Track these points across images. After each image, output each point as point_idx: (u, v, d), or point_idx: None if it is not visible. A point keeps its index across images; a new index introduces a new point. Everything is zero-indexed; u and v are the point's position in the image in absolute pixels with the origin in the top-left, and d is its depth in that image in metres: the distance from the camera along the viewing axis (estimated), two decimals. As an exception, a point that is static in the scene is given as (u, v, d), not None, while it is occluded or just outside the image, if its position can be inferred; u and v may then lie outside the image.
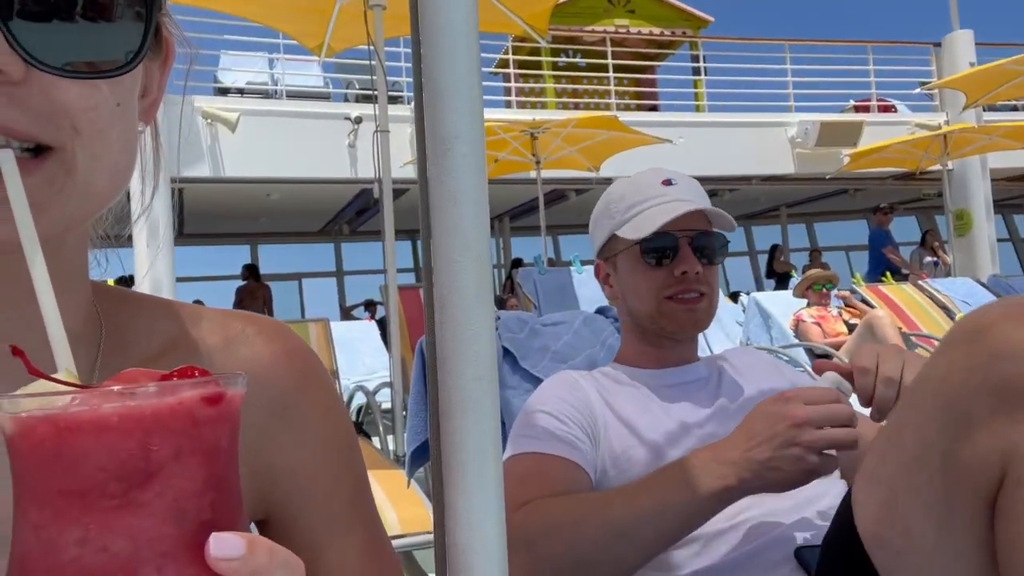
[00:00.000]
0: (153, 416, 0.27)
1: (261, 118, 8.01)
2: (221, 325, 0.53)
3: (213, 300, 10.01)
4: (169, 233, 6.59)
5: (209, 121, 7.70)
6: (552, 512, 1.00)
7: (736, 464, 0.92)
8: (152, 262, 6.15)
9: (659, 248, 1.21)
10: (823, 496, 1.13)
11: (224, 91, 9.02)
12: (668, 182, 1.26)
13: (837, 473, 1.20)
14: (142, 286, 6.14)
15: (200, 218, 10.44)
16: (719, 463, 0.94)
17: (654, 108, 11.30)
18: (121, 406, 0.26)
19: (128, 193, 0.49)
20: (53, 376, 0.28)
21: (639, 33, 11.29)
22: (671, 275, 1.21)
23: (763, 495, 1.10)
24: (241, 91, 9.10)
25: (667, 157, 7.99)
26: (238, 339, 0.53)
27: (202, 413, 0.28)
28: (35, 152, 0.36)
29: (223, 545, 0.27)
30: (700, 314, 1.23)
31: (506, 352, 1.55)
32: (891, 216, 9.40)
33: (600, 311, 1.83)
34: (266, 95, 9.18)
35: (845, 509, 0.67)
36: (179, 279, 7.03)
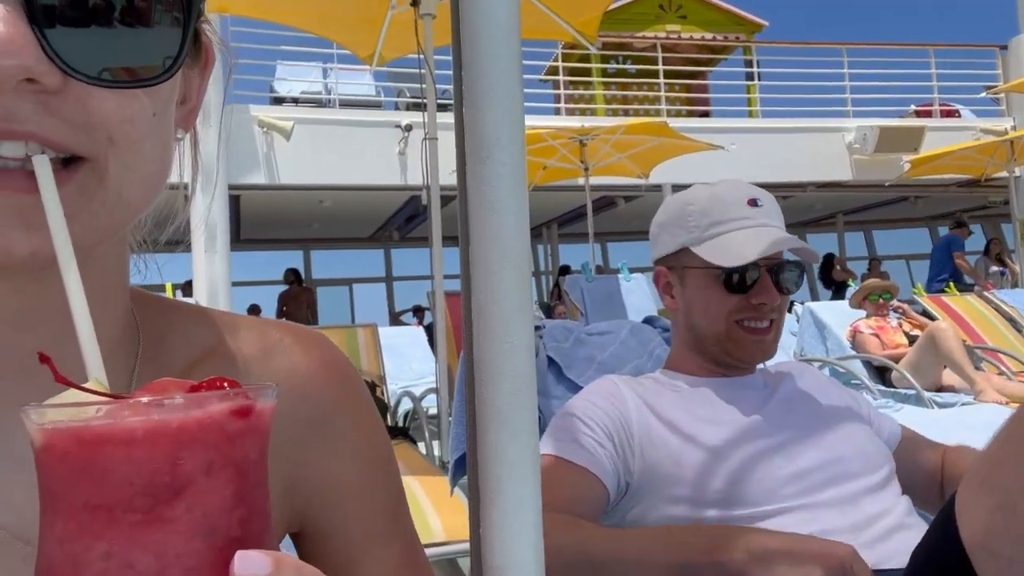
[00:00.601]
0: (180, 429, 0.26)
1: (315, 126, 8.19)
2: (259, 335, 0.53)
3: (268, 304, 10.25)
4: (226, 239, 6.78)
5: (265, 130, 7.90)
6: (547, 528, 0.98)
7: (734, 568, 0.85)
8: (209, 267, 6.32)
9: (740, 275, 1.17)
10: (886, 514, 1.08)
11: (279, 100, 9.26)
12: (754, 202, 1.22)
13: (898, 488, 1.15)
14: (199, 291, 6.32)
15: (255, 224, 10.71)
16: (716, 552, 0.87)
17: (706, 114, 11.14)
18: (147, 419, 0.26)
19: (171, 199, 0.49)
20: (81, 385, 0.27)
21: (691, 38, 11.15)
22: (746, 302, 1.18)
23: (818, 511, 1.06)
24: (296, 100, 9.32)
25: (719, 164, 7.86)
26: (276, 349, 0.52)
27: (231, 426, 0.28)
28: (67, 162, 0.36)
29: (248, 564, 0.26)
30: (768, 345, 1.21)
31: (551, 362, 1.54)
32: (970, 234, 9.10)
33: (647, 321, 1.79)
34: (320, 104, 9.38)
35: (944, 519, 0.64)
36: (235, 283, 7.21)
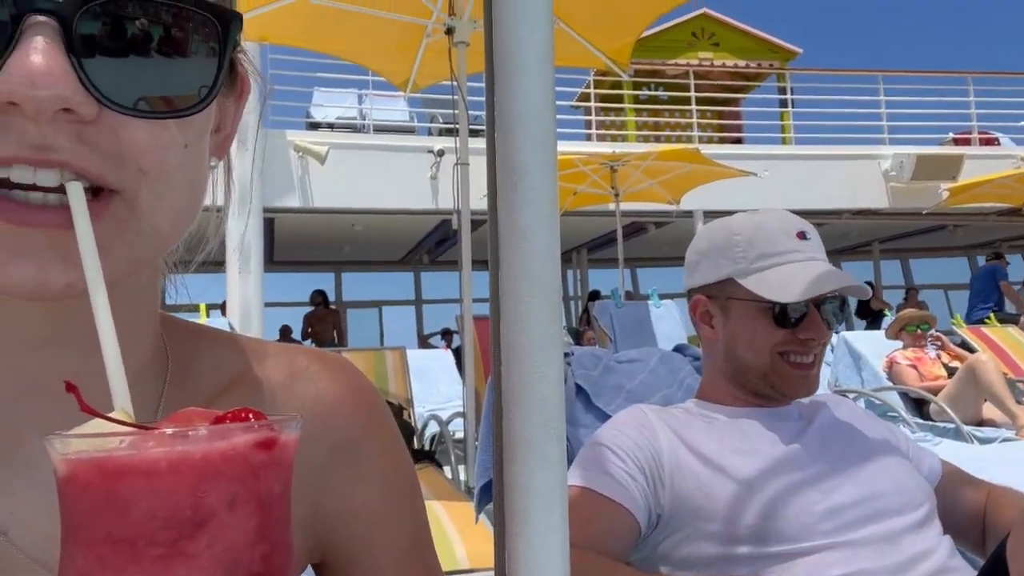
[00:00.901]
0: (204, 461, 0.26)
1: (349, 151, 8.33)
2: (286, 361, 0.53)
3: (299, 325, 10.33)
4: (260, 260, 6.89)
5: (301, 154, 8.05)
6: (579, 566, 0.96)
7: None
8: (243, 288, 6.41)
9: (788, 309, 1.16)
10: (928, 555, 1.04)
11: (315, 126, 9.45)
12: (803, 235, 1.20)
13: (939, 527, 1.11)
14: (232, 311, 6.41)
15: (289, 246, 10.87)
16: None
17: (738, 141, 11.09)
18: (171, 450, 0.26)
19: (208, 222, 0.50)
20: (107, 415, 0.27)
21: (723, 66, 11.15)
22: (793, 336, 1.16)
23: (856, 550, 1.03)
24: (331, 125, 9.50)
25: (752, 190, 7.80)
26: (302, 376, 0.52)
27: (255, 459, 0.27)
28: (100, 193, 0.36)
29: None
30: (813, 381, 1.19)
31: (579, 389, 1.52)
32: (1007, 264, 8.90)
33: (678, 349, 1.77)
34: (354, 129, 9.54)
35: (994, 562, 0.62)
36: (267, 304, 7.30)
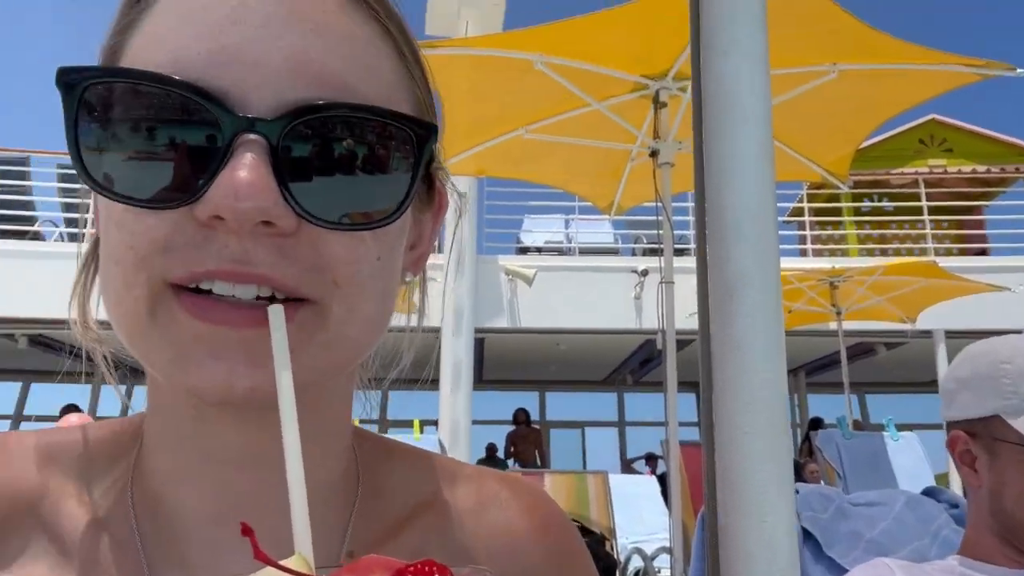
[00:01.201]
0: None
1: (555, 273, 8.66)
2: (477, 487, 0.50)
3: (504, 444, 10.50)
4: (470, 379, 7.21)
5: (510, 277, 8.50)
6: None
7: None
8: (452, 406, 6.71)
9: None
10: None
11: (524, 250, 10.00)
12: None
13: None
14: (443, 428, 6.70)
15: (497, 365, 11.29)
16: None
17: (983, 252, 9.90)
18: None
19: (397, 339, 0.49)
20: (281, 564, 0.25)
21: (959, 172, 10.19)
22: None
23: None
24: (539, 249, 10.00)
25: (1005, 307, 6.87)
26: (492, 503, 0.49)
27: None
28: (289, 301, 0.36)
29: None
30: None
31: (807, 535, 1.32)
32: None
33: (929, 492, 1.50)
34: (560, 252, 9.94)
35: None
36: (474, 422, 7.55)
